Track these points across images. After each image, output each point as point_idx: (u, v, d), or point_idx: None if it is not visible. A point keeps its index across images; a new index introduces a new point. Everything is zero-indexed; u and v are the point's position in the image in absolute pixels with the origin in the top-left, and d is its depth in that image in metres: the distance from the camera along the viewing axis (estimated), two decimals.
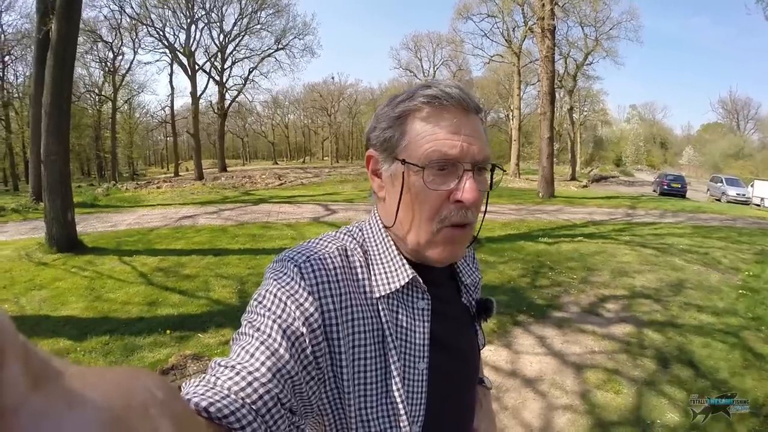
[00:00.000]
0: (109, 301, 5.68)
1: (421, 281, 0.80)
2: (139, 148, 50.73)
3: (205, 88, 35.95)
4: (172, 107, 38.00)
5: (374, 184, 0.85)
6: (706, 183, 31.25)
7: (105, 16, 30.91)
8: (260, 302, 0.72)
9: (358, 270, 0.79)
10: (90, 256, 7.81)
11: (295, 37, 36.70)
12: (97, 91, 37.93)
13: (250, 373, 0.62)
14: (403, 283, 0.78)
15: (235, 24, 34.94)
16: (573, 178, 31.92)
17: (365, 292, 0.78)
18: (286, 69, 38.90)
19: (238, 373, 0.62)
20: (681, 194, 24.71)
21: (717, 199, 25.28)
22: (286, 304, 0.70)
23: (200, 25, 33.33)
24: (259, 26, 35.58)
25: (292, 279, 0.72)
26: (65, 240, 8.14)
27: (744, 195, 24.18)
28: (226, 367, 0.63)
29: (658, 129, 67.72)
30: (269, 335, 0.67)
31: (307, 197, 17.05)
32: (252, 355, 0.64)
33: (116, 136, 37.73)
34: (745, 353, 4.50)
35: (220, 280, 6.40)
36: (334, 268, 0.76)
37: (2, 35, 31.92)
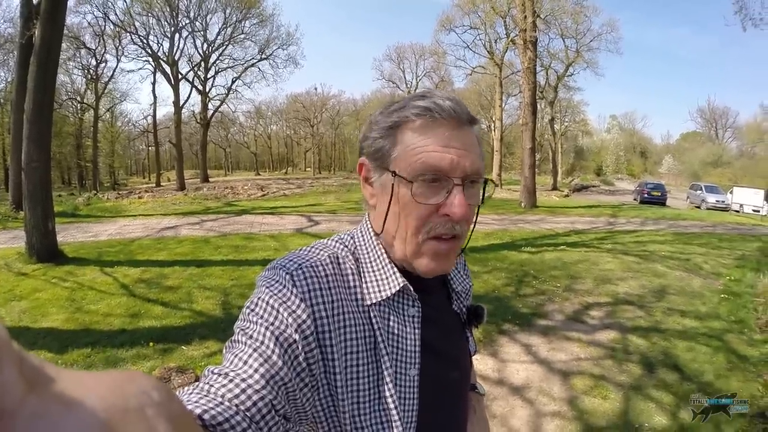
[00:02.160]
0: (90, 313, 5.59)
1: (412, 289, 0.80)
2: (120, 158, 50.18)
3: (188, 98, 35.60)
4: (154, 116, 37.76)
5: (366, 192, 0.85)
6: (685, 191, 31.66)
7: (89, 23, 30.76)
8: (252, 310, 0.71)
9: (350, 278, 0.79)
10: (71, 266, 7.70)
11: (278, 48, 36.72)
12: (79, 98, 37.52)
13: (243, 380, 0.61)
14: (394, 290, 0.78)
15: (218, 33, 34.90)
16: (554, 187, 32.26)
17: (357, 300, 0.78)
18: (269, 79, 39.00)
19: (231, 381, 0.61)
20: (661, 202, 25.05)
21: (697, 207, 25.61)
22: (278, 311, 0.70)
23: (184, 33, 33.27)
24: (242, 36, 35.56)
25: (284, 287, 0.72)
26: (45, 250, 8.02)
27: (723, 202, 24.53)
28: (220, 375, 0.63)
29: (638, 138, 68.78)
30: (262, 342, 0.66)
31: (290, 208, 16.98)
32: (245, 363, 0.64)
33: (98, 144, 37.29)
34: (728, 356, 4.57)
35: (203, 292, 6.34)
36: (326, 275, 0.75)
37: None
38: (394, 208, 0.78)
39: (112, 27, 31.39)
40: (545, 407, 3.65)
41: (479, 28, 32.63)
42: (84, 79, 36.16)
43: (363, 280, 0.80)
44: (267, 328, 0.68)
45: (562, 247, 9.82)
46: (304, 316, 0.70)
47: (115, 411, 0.23)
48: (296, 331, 0.69)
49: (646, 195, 25.38)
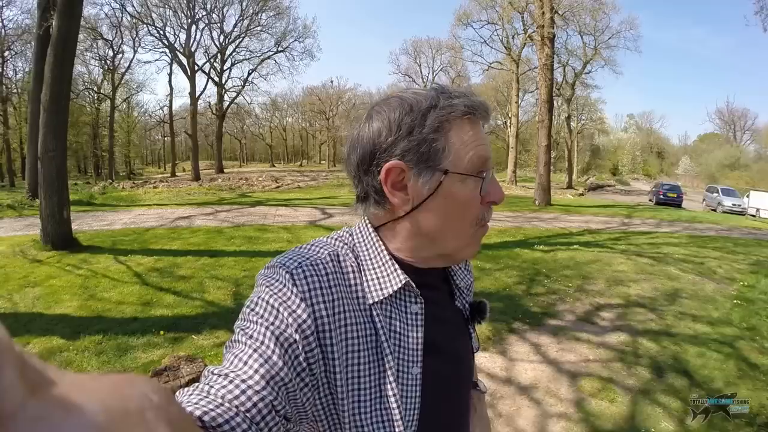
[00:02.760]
0: (103, 301, 5.66)
1: (414, 285, 0.79)
2: (136, 148, 50.70)
3: (204, 89, 36.01)
4: (170, 107, 37.99)
5: (395, 199, 0.78)
6: (702, 193, 31.38)
7: (106, 14, 31.01)
8: (252, 309, 0.71)
9: (351, 275, 0.78)
10: (85, 254, 7.78)
11: (295, 40, 36.83)
12: (95, 88, 37.88)
13: (243, 381, 0.62)
14: (396, 288, 0.78)
15: (235, 25, 35.05)
16: (569, 186, 32.07)
17: (358, 298, 0.77)
18: (285, 71, 39.17)
19: (231, 381, 0.62)
20: (677, 204, 24.86)
21: (713, 209, 25.40)
22: (278, 311, 0.69)
23: (201, 25, 33.44)
24: (259, 28, 35.66)
25: (284, 285, 0.72)
26: (60, 238, 8.12)
27: (739, 205, 24.32)
28: (220, 376, 0.63)
29: (655, 138, 68.04)
30: (262, 342, 0.67)
31: (304, 200, 17.03)
32: (245, 363, 0.64)
33: (114, 134, 37.71)
34: (739, 363, 4.51)
35: (215, 282, 6.39)
36: (327, 274, 0.75)
37: (3, 30, 31.97)
38: (448, 208, 0.77)
39: (129, 18, 31.70)
40: (552, 408, 3.64)
41: (497, 24, 32.42)
42: (101, 70, 36.57)
43: (364, 277, 0.79)
44: (267, 328, 0.68)
45: (575, 246, 9.75)
46: (304, 316, 0.70)
47: (116, 414, 0.23)
48: (296, 330, 0.68)
49: (661, 196, 25.23)
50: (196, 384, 0.63)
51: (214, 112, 37.65)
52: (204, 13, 33.20)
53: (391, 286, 0.78)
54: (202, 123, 44.70)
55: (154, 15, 31.48)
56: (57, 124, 8.11)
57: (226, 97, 36.85)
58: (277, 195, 19.29)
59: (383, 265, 0.80)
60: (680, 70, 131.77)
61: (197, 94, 33.00)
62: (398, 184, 0.78)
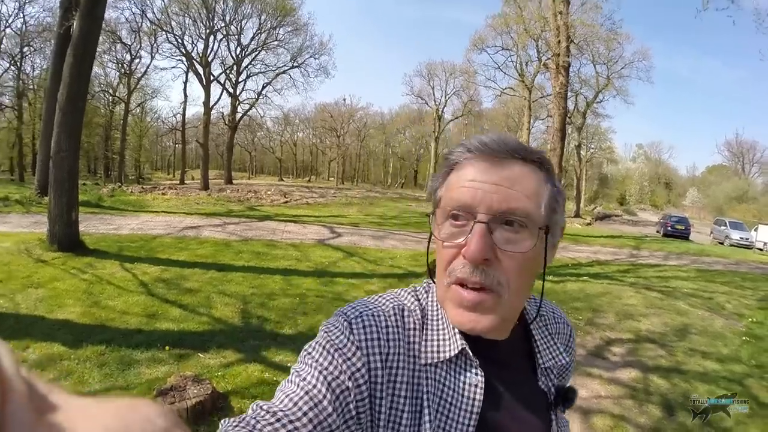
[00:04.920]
0: (107, 309, 5.61)
1: (471, 354, 0.73)
2: (147, 152, 51.01)
3: (218, 99, 36.03)
4: (183, 115, 38.18)
5: (432, 245, 0.79)
6: (709, 225, 31.37)
7: (126, 19, 31.42)
8: (309, 353, 0.71)
9: (412, 332, 0.75)
10: (90, 258, 7.77)
11: (311, 56, 37.16)
12: (111, 91, 38.26)
13: (291, 421, 0.61)
14: (452, 354, 0.72)
15: (253, 38, 35.40)
16: (577, 215, 31.96)
17: (415, 357, 0.73)
18: (299, 87, 39.31)
19: (278, 420, 0.61)
20: (684, 236, 24.84)
21: (720, 242, 25.45)
22: (333, 356, 0.69)
23: (219, 36, 33.75)
24: (276, 42, 36.03)
25: (342, 333, 0.71)
26: (67, 239, 8.13)
27: (747, 239, 24.38)
28: (268, 413, 0.62)
29: (663, 169, 68.11)
30: (314, 386, 0.66)
31: (312, 218, 17.01)
32: (295, 404, 0.63)
33: (126, 138, 37.87)
34: (749, 402, 4.41)
35: (222, 298, 6.31)
36: (387, 326, 0.73)
37: (24, 26, 32.47)
38: (434, 251, 0.76)
39: (148, 24, 32.04)
40: None
41: (511, 50, 32.71)
42: (117, 73, 36.95)
43: (425, 336, 0.75)
44: (321, 372, 0.67)
45: (584, 277, 9.68)
46: (359, 365, 0.68)
47: None
48: (350, 378, 0.67)
49: (669, 228, 25.28)
50: (242, 416, 0.62)
51: (226, 122, 37.88)
52: (222, 25, 33.56)
53: (449, 351, 0.73)
54: (214, 133, 44.98)
55: (173, 23, 31.84)
56: (72, 125, 8.15)
57: (239, 109, 37.12)
58: (285, 210, 19.30)
59: (445, 327, 0.75)
60: (690, 100, 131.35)
61: (211, 103, 33.22)
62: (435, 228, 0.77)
